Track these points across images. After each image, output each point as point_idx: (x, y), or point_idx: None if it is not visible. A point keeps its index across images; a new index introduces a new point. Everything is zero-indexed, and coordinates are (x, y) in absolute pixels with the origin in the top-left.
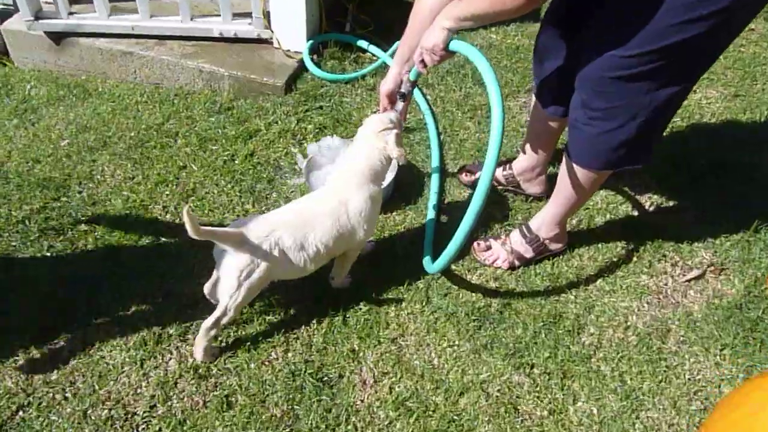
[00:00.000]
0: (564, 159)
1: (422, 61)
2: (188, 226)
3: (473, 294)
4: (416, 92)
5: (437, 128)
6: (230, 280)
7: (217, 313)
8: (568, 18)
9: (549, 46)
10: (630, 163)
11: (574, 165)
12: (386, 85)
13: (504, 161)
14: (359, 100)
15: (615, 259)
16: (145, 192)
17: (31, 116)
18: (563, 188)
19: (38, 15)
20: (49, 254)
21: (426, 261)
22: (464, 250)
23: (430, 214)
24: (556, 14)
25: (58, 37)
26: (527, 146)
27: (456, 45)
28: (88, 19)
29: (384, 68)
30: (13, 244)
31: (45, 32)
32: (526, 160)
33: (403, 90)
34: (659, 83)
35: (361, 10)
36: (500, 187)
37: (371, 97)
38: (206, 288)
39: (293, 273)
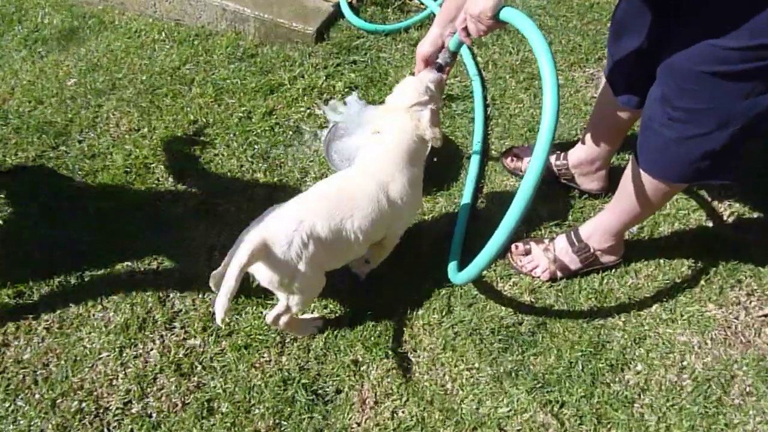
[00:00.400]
0: (631, 162)
1: (466, 28)
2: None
3: (502, 308)
4: (464, 51)
5: (485, 98)
6: (277, 292)
7: (279, 309)
8: None
9: (630, 19)
10: (713, 177)
11: (643, 172)
12: (423, 47)
13: (558, 148)
14: (399, 57)
15: (678, 281)
16: (149, 148)
17: (41, 48)
18: (625, 196)
19: None
20: (37, 211)
21: (451, 268)
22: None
23: (464, 206)
24: None
25: None
26: (588, 135)
27: (508, 14)
28: None
29: (433, 20)
30: (1, 195)
31: None
32: (585, 151)
33: (440, 61)
34: (765, 87)
35: None
36: (550, 179)
37: (414, 54)
38: (213, 279)
39: (335, 264)
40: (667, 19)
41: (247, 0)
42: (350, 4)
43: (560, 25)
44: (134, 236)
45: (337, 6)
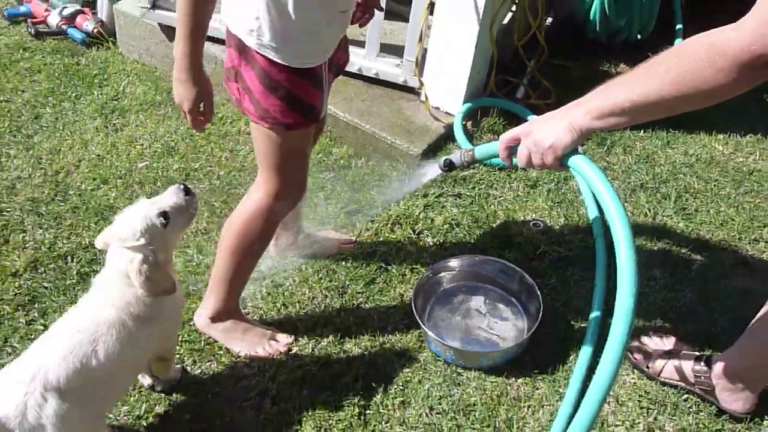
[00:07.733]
0: None
1: (510, 148)
2: None
3: None
4: (588, 197)
5: (607, 267)
6: None
7: None
8: None
9: None
10: None
11: None
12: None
13: (696, 351)
14: (512, 197)
15: None
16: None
17: (117, 120)
18: None
19: (156, 3)
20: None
21: None
22: None
23: (568, 401)
24: None
25: (174, 33)
26: (747, 344)
27: (577, 163)
28: (215, 21)
29: None
30: (45, 285)
31: (159, 24)
32: (738, 362)
33: (453, 159)
34: None
35: (543, 73)
36: (677, 383)
37: (529, 196)
38: None
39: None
40: None
41: (349, 103)
42: (465, 128)
43: (710, 191)
44: None
45: (450, 128)
